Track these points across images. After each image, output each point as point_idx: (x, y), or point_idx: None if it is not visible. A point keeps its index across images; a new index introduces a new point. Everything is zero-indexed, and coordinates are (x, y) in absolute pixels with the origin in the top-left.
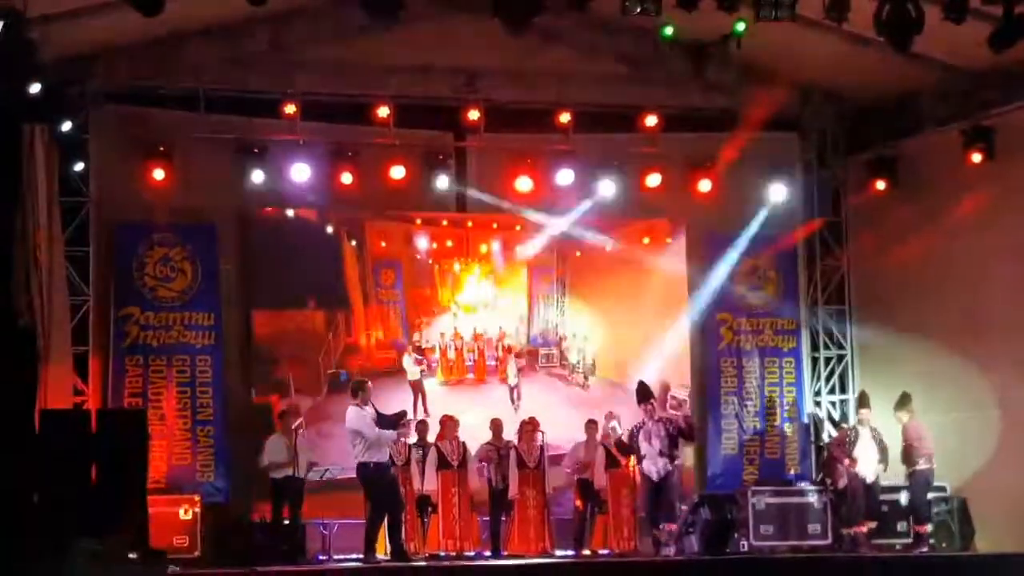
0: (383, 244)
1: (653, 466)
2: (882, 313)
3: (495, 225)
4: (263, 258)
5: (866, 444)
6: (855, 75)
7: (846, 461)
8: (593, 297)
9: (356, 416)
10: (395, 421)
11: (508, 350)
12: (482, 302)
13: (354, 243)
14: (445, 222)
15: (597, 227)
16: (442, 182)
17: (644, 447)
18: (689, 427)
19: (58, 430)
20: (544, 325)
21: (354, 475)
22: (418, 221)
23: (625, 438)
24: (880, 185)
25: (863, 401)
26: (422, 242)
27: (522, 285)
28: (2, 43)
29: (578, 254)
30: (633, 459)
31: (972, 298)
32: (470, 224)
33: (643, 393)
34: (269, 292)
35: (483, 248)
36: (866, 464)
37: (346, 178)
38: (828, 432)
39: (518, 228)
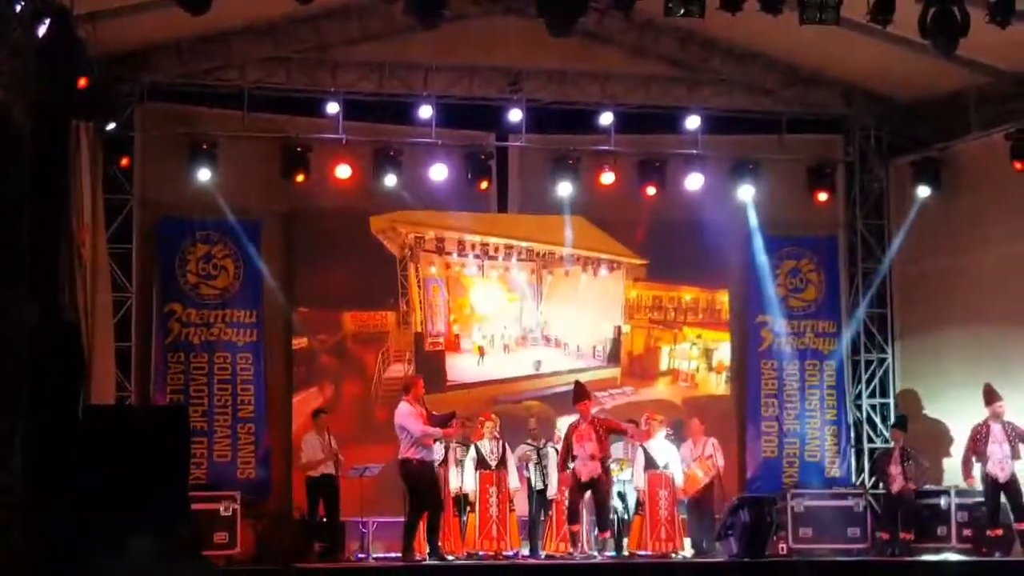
0: (432, 269)
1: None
2: (924, 317)
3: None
4: (309, 257)
5: None
6: (899, 77)
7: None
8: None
9: (404, 411)
10: (445, 420)
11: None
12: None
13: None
14: (478, 238)
15: (637, 226)
16: (483, 183)
17: (577, 448)
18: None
19: (101, 425)
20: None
21: (393, 473)
22: (453, 255)
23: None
24: (924, 188)
25: None
26: (455, 268)
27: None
28: (49, 40)
29: (611, 256)
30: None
31: (1016, 304)
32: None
33: (580, 393)
34: (316, 291)
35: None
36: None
37: (389, 179)
38: (868, 435)
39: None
